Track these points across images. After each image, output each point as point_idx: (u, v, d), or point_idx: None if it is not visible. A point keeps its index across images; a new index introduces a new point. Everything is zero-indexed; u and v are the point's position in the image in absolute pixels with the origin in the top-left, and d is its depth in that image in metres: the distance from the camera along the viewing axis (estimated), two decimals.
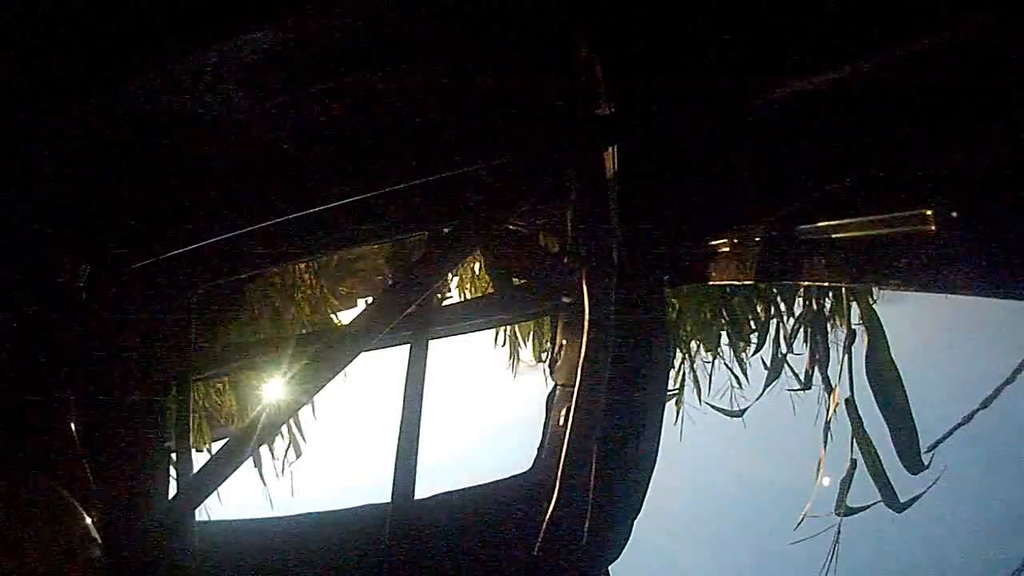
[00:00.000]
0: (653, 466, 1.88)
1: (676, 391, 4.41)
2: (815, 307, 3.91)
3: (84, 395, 1.60)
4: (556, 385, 2.26)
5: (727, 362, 4.43)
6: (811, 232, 1.32)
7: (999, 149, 1.01)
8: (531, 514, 1.99)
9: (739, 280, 1.62)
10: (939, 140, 1.12)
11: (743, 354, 4.32)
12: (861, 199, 1.21)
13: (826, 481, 3.54)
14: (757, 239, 1.49)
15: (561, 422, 2.06)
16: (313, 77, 1.35)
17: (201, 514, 2.03)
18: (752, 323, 4.17)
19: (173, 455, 2.02)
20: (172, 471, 2.05)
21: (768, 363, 4.12)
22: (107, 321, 1.67)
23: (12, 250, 1.38)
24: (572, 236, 1.97)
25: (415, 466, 1.89)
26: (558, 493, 1.68)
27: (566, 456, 1.68)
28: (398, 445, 1.89)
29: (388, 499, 1.91)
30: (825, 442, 3.58)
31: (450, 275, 3.75)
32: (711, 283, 1.82)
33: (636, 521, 1.91)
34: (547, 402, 2.29)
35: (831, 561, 3.61)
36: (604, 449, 1.75)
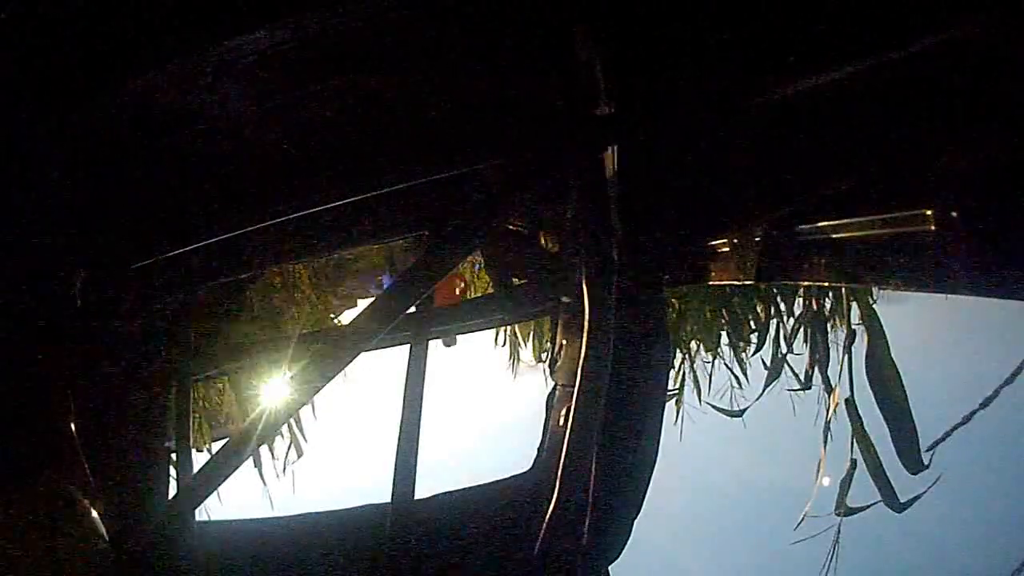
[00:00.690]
0: (653, 466, 1.88)
1: (676, 391, 4.42)
2: (815, 307, 3.91)
3: (84, 395, 1.60)
4: (556, 385, 2.25)
5: (727, 362, 4.44)
6: (811, 232, 1.32)
7: (999, 149, 1.01)
8: (531, 514, 1.99)
9: (739, 280, 1.62)
10: (939, 140, 1.12)
11: (743, 354, 4.33)
12: (861, 199, 1.21)
13: (826, 481, 3.54)
14: (757, 239, 1.49)
15: (561, 422, 2.06)
16: (313, 77, 1.35)
17: (201, 514, 2.03)
18: (752, 323, 4.18)
19: (173, 455, 2.02)
20: (172, 471, 2.05)
21: (768, 363, 4.12)
22: (107, 321, 1.67)
23: (12, 250, 1.38)
24: (572, 236, 1.97)
25: (415, 466, 1.89)
26: (558, 493, 1.68)
27: (566, 456, 1.67)
28: (398, 445, 1.88)
29: (388, 499, 1.90)
30: (825, 442, 3.58)
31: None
32: (711, 283, 1.82)
33: (636, 521, 1.91)
34: (547, 402, 2.29)
35: (831, 561, 3.61)
36: (604, 449, 1.75)
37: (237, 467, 1.55)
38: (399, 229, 2.00)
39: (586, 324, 1.66)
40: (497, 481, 2.26)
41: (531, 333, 4.86)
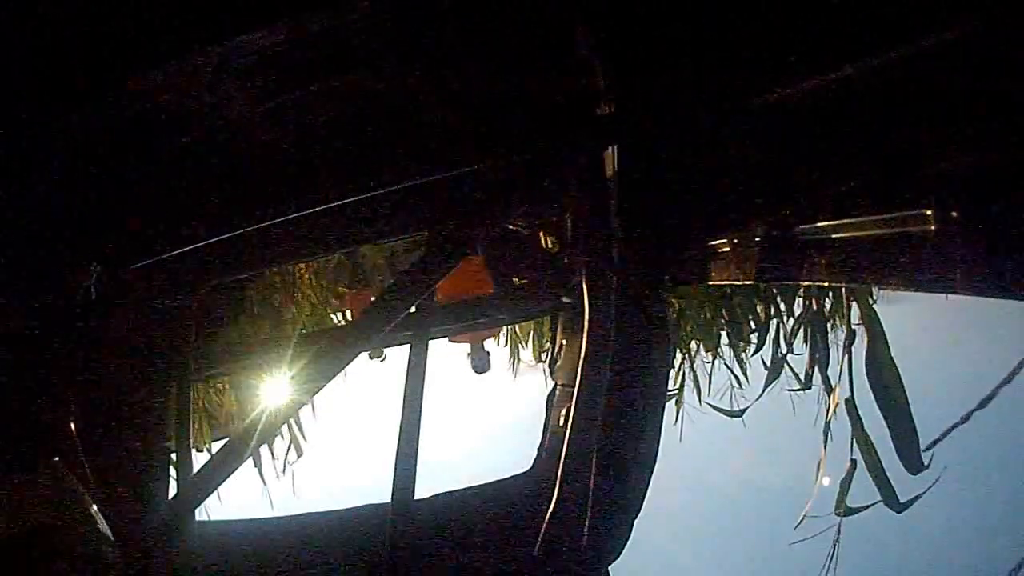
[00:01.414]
0: (653, 466, 1.88)
1: (676, 391, 4.41)
2: (815, 307, 3.91)
3: (84, 395, 1.60)
4: (556, 385, 2.26)
5: (727, 362, 4.43)
6: (811, 232, 1.32)
7: (999, 149, 1.01)
8: (531, 514, 1.99)
9: (739, 280, 1.62)
10: (939, 140, 1.12)
11: (743, 354, 4.32)
12: (861, 199, 1.21)
13: (826, 481, 3.54)
14: (757, 239, 1.49)
15: (561, 422, 2.06)
16: (313, 77, 1.35)
17: (201, 514, 2.03)
18: (752, 323, 4.17)
19: (173, 455, 2.02)
20: (172, 471, 2.05)
21: (768, 363, 4.12)
22: (107, 321, 1.67)
23: (12, 250, 1.38)
24: (572, 236, 1.97)
25: (415, 466, 1.89)
26: (558, 493, 1.68)
27: (566, 456, 1.67)
28: (398, 445, 1.88)
29: (388, 499, 1.90)
30: (825, 442, 3.58)
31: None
32: (711, 283, 1.82)
33: (636, 521, 1.91)
34: (547, 402, 2.29)
35: (831, 561, 3.61)
36: (604, 449, 1.75)
37: (237, 467, 1.55)
38: (399, 229, 2.00)
39: (586, 324, 1.66)
40: (497, 481, 2.26)
41: (531, 333, 4.86)
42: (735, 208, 1.59)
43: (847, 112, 1.26)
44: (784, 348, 4.06)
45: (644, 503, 1.89)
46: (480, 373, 3.79)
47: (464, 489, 2.23)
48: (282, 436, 3.88)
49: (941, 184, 1.05)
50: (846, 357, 3.45)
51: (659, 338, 1.81)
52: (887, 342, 2.92)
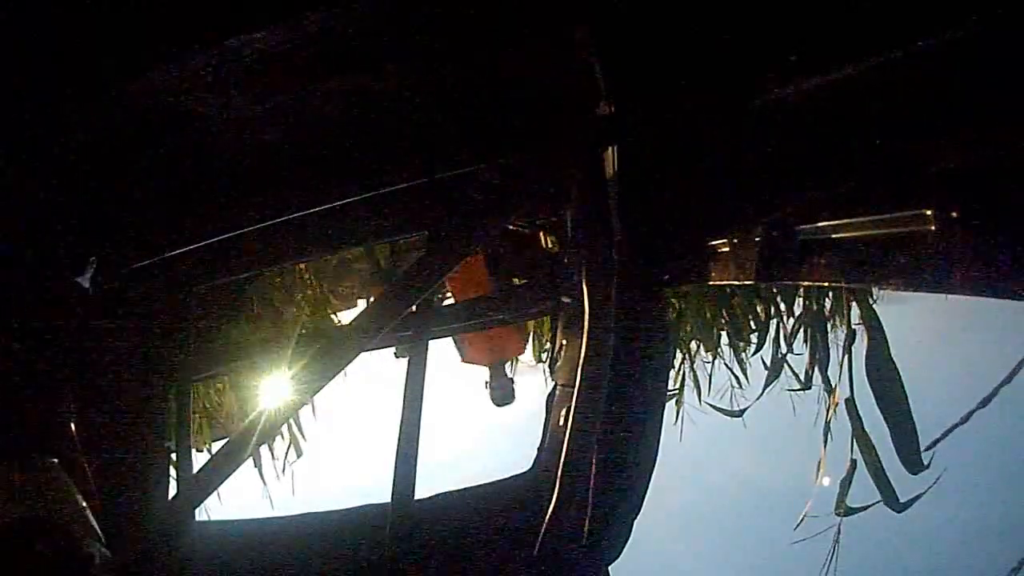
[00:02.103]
0: (653, 466, 1.88)
1: (676, 391, 4.41)
2: (815, 307, 3.91)
3: (84, 395, 1.60)
4: (556, 385, 2.26)
5: (727, 362, 4.43)
6: (811, 232, 1.32)
7: (999, 149, 1.00)
8: (531, 514, 1.99)
9: (739, 280, 1.62)
10: (939, 140, 1.12)
11: (743, 354, 4.32)
12: (861, 199, 1.21)
13: (826, 481, 3.54)
14: (757, 239, 1.49)
15: (561, 422, 2.05)
16: (313, 77, 1.35)
17: (201, 514, 2.03)
18: (752, 323, 4.17)
19: (173, 455, 2.02)
20: (172, 471, 2.05)
21: (768, 363, 4.12)
22: (107, 321, 1.67)
23: (12, 249, 1.38)
24: (572, 236, 1.97)
25: (415, 466, 1.89)
26: (558, 493, 1.68)
27: (566, 456, 1.68)
28: (398, 445, 1.88)
29: (388, 499, 1.90)
30: (825, 442, 3.58)
31: (450, 275, 3.75)
32: (711, 283, 1.82)
33: (636, 521, 1.91)
34: (547, 402, 2.29)
35: (831, 561, 3.62)
36: (604, 449, 1.75)
37: (237, 467, 1.55)
38: (399, 229, 2.00)
39: (586, 324, 1.67)
40: (497, 481, 2.26)
41: (531, 333, 4.86)
42: (735, 208, 1.59)
43: (847, 112, 1.26)
44: (784, 348, 4.06)
45: (644, 503, 1.89)
46: (501, 405, 3.00)
47: (464, 489, 2.23)
48: (282, 436, 3.88)
49: (941, 184, 1.05)
50: (846, 357, 3.45)
51: (659, 338, 1.81)
52: (887, 342, 2.93)
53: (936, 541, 13.93)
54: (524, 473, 2.26)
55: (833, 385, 3.66)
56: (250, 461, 3.50)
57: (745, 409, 4.43)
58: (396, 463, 1.89)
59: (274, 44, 1.18)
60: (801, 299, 3.97)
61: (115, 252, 1.61)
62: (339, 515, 2.13)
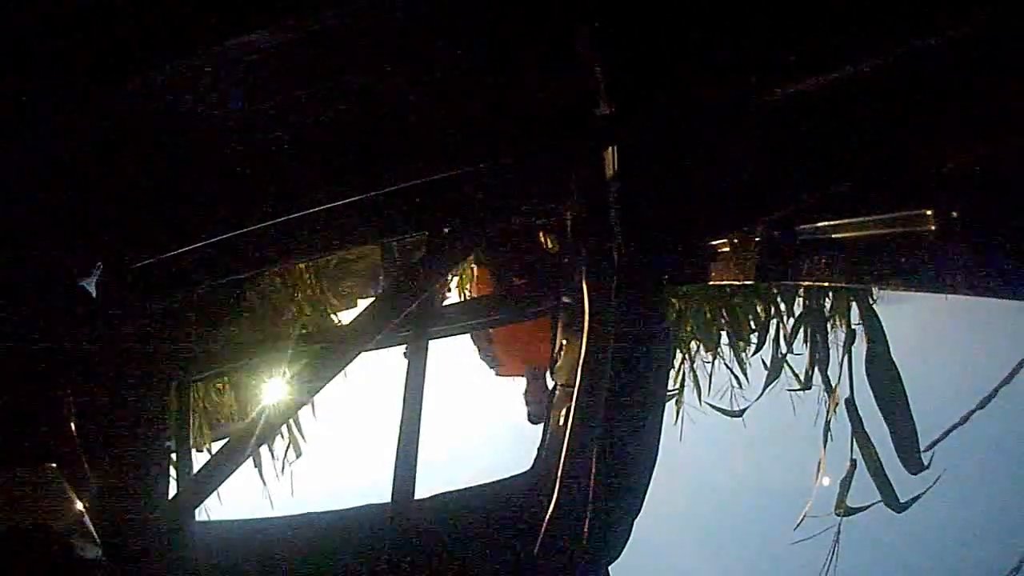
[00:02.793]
0: (653, 466, 1.88)
1: (676, 391, 4.41)
2: (815, 307, 3.91)
3: (84, 395, 1.60)
4: (556, 385, 2.26)
5: (727, 362, 4.43)
6: (811, 232, 1.32)
7: (999, 149, 1.01)
8: (531, 514, 1.99)
9: (739, 280, 1.62)
10: (939, 140, 1.12)
11: (743, 354, 4.32)
12: (861, 199, 1.21)
13: (826, 481, 3.54)
14: (757, 239, 1.49)
15: (561, 422, 2.06)
16: (313, 77, 1.35)
17: (201, 514, 2.04)
18: (752, 323, 4.17)
19: (173, 455, 2.02)
20: (172, 471, 2.05)
21: (768, 363, 4.12)
22: (107, 320, 1.67)
23: (13, 249, 1.38)
24: (572, 236, 1.97)
25: (415, 466, 1.89)
26: (558, 493, 1.68)
27: (566, 456, 1.67)
28: (398, 445, 1.88)
29: (388, 499, 1.91)
30: (825, 442, 3.58)
31: (450, 275, 3.74)
32: (711, 283, 1.82)
33: (636, 521, 1.91)
34: (547, 402, 2.29)
35: (831, 561, 3.62)
36: (604, 449, 1.75)
37: (237, 467, 1.55)
38: (399, 229, 2.00)
39: (586, 324, 1.67)
40: (497, 481, 2.26)
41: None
42: (735, 208, 1.59)
43: (847, 112, 1.26)
44: (784, 348, 4.06)
45: (644, 503, 1.89)
46: (537, 423, 2.72)
47: (464, 489, 2.24)
48: (282, 436, 3.88)
49: (941, 184, 1.05)
50: (846, 357, 3.45)
51: (659, 338, 1.81)
52: (887, 342, 2.93)
53: (936, 541, 13.93)
54: (524, 473, 2.26)
55: (833, 385, 3.66)
56: (250, 461, 3.50)
57: (745, 409, 4.43)
58: (396, 463, 1.89)
59: (274, 44, 1.18)
60: (801, 299, 3.96)
61: (115, 252, 1.61)
62: (339, 515, 2.14)
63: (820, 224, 1.28)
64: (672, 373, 4.19)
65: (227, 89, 1.29)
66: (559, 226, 2.32)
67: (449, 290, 4.66)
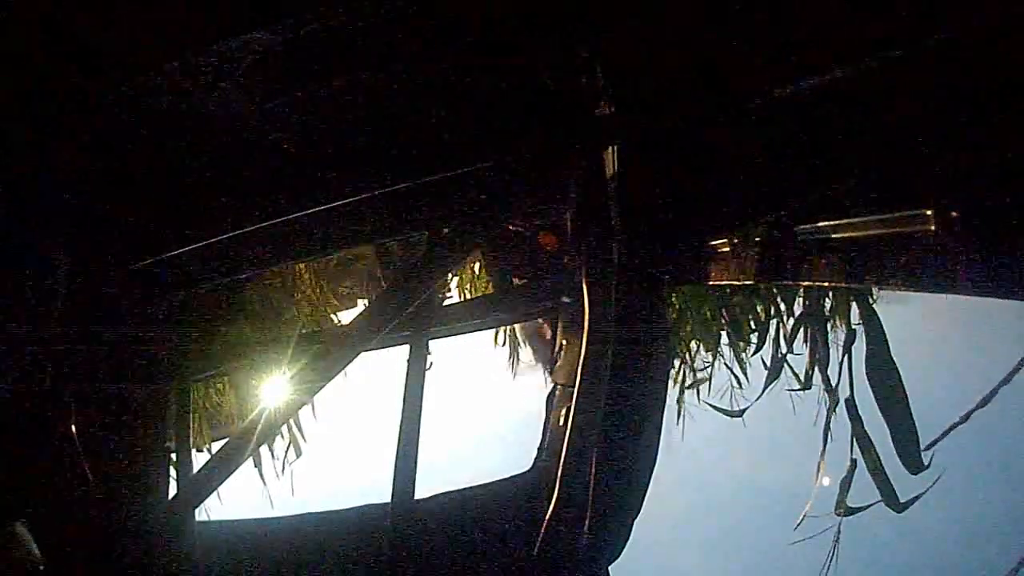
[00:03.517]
0: (653, 466, 1.88)
1: (676, 391, 4.41)
2: (815, 307, 3.90)
3: (84, 395, 1.60)
4: (556, 385, 2.26)
5: (727, 362, 4.43)
6: (811, 232, 1.32)
7: (999, 149, 1.01)
8: (531, 514, 1.99)
9: (739, 280, 1.62)
10: (939, 140, 1.12)
11: (743, 354, 4.31)
12: (861, 199, 1.21)
13: (826, 481, 3.54)
14: (757, 239, 1.49)
15: (561, 422, 2.06)
16: (313, 77, 1.35)
17: (201, 514, 2.03)
18: (752, 323, 4.17)
19: (173, 455, 2.02)
20: (172, 471, 2.05)
21: (768, 363, 4.11)
22: (107, 321, 1.67)
23: (13, 250, 1.38)
24: (572, 236, 1.97)
25: (415, 466, 1.89)
26: (558, 493, 1.68)
27: (566, 456, 1.68)
28: (398, 445, 1.88)
29: (388, 499, 1.91)
30: (825, 442, 3.58)
31: (450, 275, 3.74)
32: (711, 283, 1.82)
33: (636, 521, 1.91)
34: (547, 402, 2.29)
35: (831, 561, 3.61)
36: (604, 449, 1.75)
37: (237, 467, 1.55)
38: (399, 229, 2.00)
39: (586, 324, 1.67)
40: (497, 481, 2.26)
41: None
42: (735, 208, 1.59)
43: (847, 112, 1.26)
44: (784, 348, 4.05)
45: (644, 503, 1.89)
46: None
47: (464, 489, 2.24)
48: (282, 436, 3.88)
49: (941, 184, 1.05)
50: (846, 357, 3.45)
51: (659, 338, 1.81)
52: (887, 342, 2.92)
53: (936, 541, 13.93)
54: (524, 473, 2.26)
55: (833, 385, 3.66)
56: (250, 461, 3.49)
57: (745, 409, 4.42)
58: (396, 463, 1.89)
59: (274, 44, 1.18)
60: (801, 299, 3.96)
61: (116, 252, 1.61)
62: (339, 515, 2.14)
63: (820, 224, 1.28)
64: (672, 373, 4.19)
65: (227, 89, 1.29)
66: (559, 226, 2.32)
67: (449, 290, 4.66)
